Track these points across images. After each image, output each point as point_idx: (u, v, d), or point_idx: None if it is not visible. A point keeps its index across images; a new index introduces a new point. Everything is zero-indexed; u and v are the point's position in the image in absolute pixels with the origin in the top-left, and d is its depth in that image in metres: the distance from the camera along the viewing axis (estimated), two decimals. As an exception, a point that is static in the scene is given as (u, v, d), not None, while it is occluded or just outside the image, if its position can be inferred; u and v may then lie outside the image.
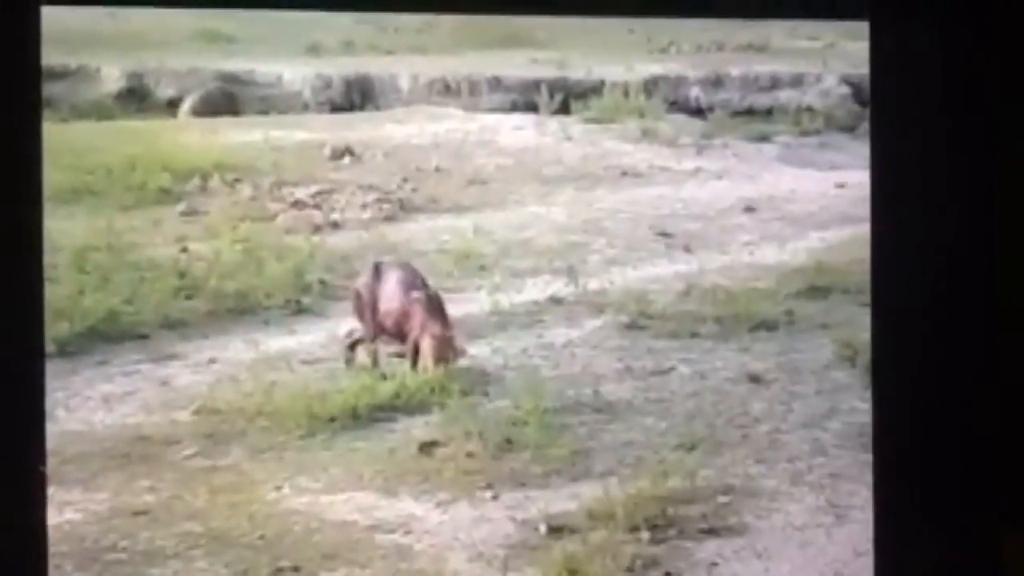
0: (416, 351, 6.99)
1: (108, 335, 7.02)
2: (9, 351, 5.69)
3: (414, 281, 7.16)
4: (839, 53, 9.16)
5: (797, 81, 9.17)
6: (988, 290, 5.11)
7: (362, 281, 7.24)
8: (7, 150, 5.79)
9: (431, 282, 7.27)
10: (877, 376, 5.20)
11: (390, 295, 7.14)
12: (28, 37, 5.66)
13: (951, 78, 5.11)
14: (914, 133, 5.10)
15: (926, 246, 5.07)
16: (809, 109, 8.99)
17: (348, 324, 7.14)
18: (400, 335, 7.09)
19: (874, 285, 5.09)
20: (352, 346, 7.11)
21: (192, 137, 8.38)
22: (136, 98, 8.63)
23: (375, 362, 7.05)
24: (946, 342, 5.16)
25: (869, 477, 6.12)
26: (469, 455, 6.49)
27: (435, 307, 7.08)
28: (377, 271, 7.22)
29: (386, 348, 7.10)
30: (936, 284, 5.11)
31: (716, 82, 9.17)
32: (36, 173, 5.52)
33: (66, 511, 6.11)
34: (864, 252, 7.54)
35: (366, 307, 7.17)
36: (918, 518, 5.14)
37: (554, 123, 8.80)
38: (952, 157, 5.10)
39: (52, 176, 6.15)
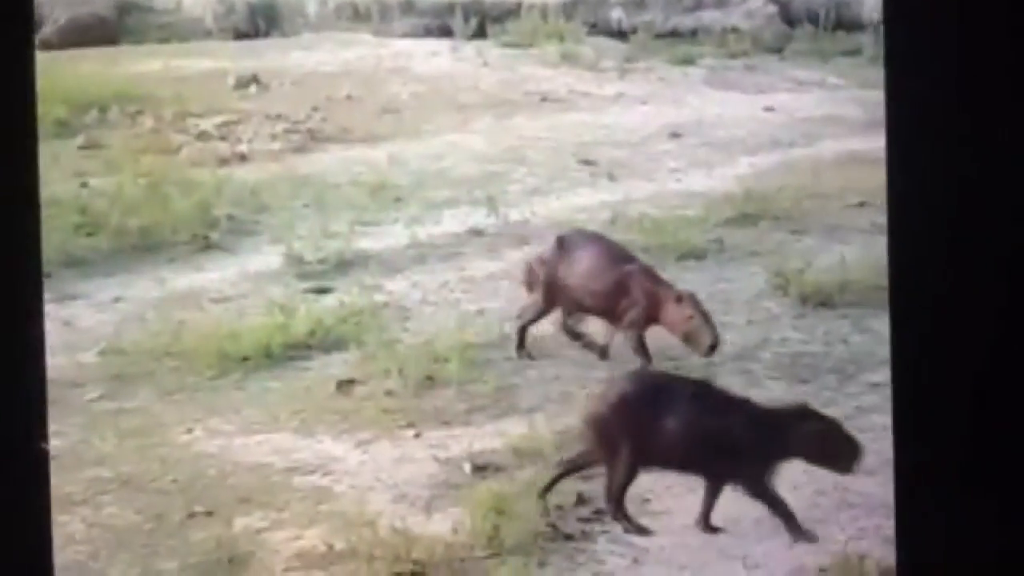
0: (642, 325, 6.40)
1: (5, 274, 6.84)
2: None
3: (620, 252, 6.58)
4: (763, -29, 9.27)
5: (722, 1, 9.23)
6: (1015, 217, 4.92)
7: (539, 255, 6.68)
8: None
9: (346, 215, 7.21)
10: (895, 307, 5.00)
11: (594, 271, 6.54)
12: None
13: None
14: (929, 55, 4.87)
15: (944, 173, 4.86)
16: (735, 30, 9.03)
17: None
18: (609, 311, 6.51)
19: (890, 215, 4.86)
20: (523, 329, 6.60)
21: (89, 67, 8.30)
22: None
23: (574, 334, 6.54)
24: (967, 272, 4.97)
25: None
26: (389, 393, 6.29)
27: (654, 274, 6.51)
28: (562, 245, 6.61)
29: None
30: (956, 211, 4.90)
31: (638, 3, 9.22)
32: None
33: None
34: (794, 178, 7.58)
35: (540, 282, 6.61)
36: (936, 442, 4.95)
37: (470, 48, 8.84)
38: (967, 81, 4.88)
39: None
